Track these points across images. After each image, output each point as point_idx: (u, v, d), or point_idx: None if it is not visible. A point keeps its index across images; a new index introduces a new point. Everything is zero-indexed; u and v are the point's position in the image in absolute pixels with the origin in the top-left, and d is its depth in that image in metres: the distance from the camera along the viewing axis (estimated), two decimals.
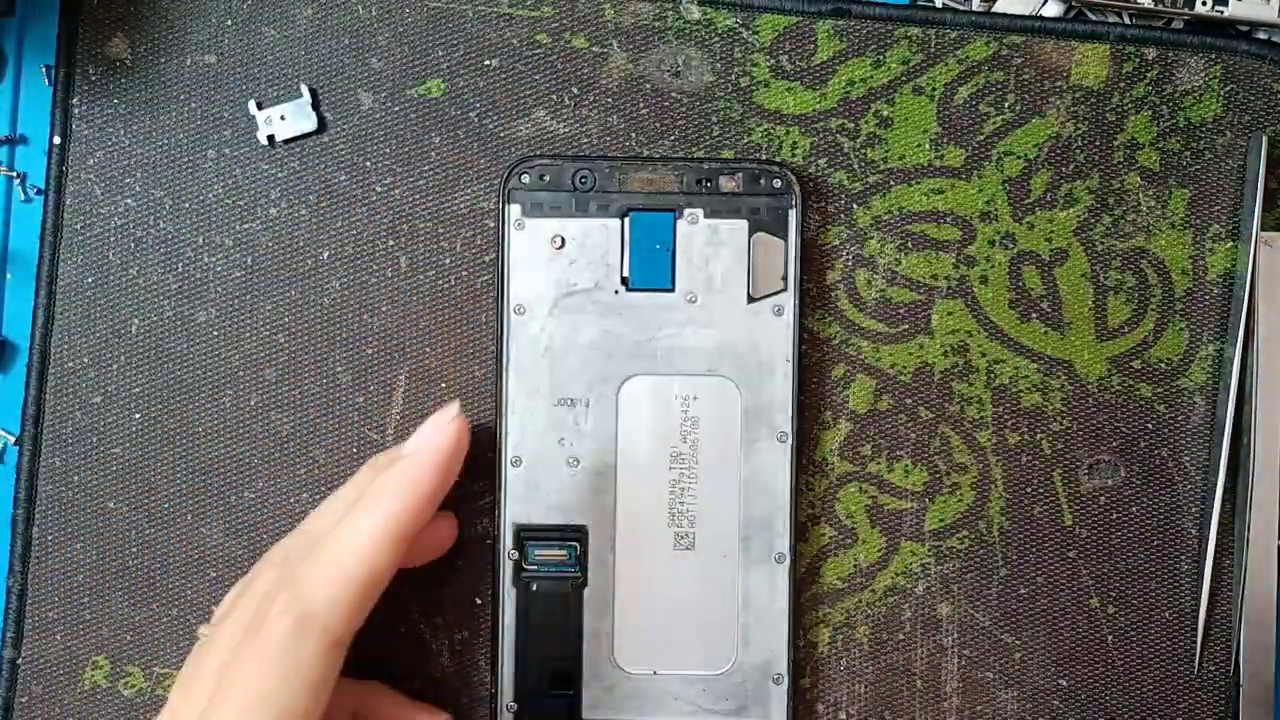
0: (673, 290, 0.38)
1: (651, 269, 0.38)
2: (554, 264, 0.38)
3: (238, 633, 0.33)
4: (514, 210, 0.38)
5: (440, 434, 0.35)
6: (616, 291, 0.38)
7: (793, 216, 0.39)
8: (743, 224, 0.39)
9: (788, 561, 0.39)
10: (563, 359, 0.38)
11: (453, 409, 0.36)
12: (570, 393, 0.38)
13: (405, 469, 0.34)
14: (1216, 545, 0.40)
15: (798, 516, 0.39)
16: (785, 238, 0.39)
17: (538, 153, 0.39)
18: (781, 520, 0.39)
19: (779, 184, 0.39)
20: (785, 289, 0.39)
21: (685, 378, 0.39)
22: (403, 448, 0.36)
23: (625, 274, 0.38)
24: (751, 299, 0.39)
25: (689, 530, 0.39)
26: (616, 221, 0.38)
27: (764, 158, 0.40)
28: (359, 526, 0.33)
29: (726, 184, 0.38)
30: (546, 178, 0.38)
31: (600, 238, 0.38)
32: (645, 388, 0.39)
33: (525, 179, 0.38)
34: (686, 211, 0.38)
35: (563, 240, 0.38)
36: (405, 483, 0.34)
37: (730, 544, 0.39)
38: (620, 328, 0.38)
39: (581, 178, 0.38)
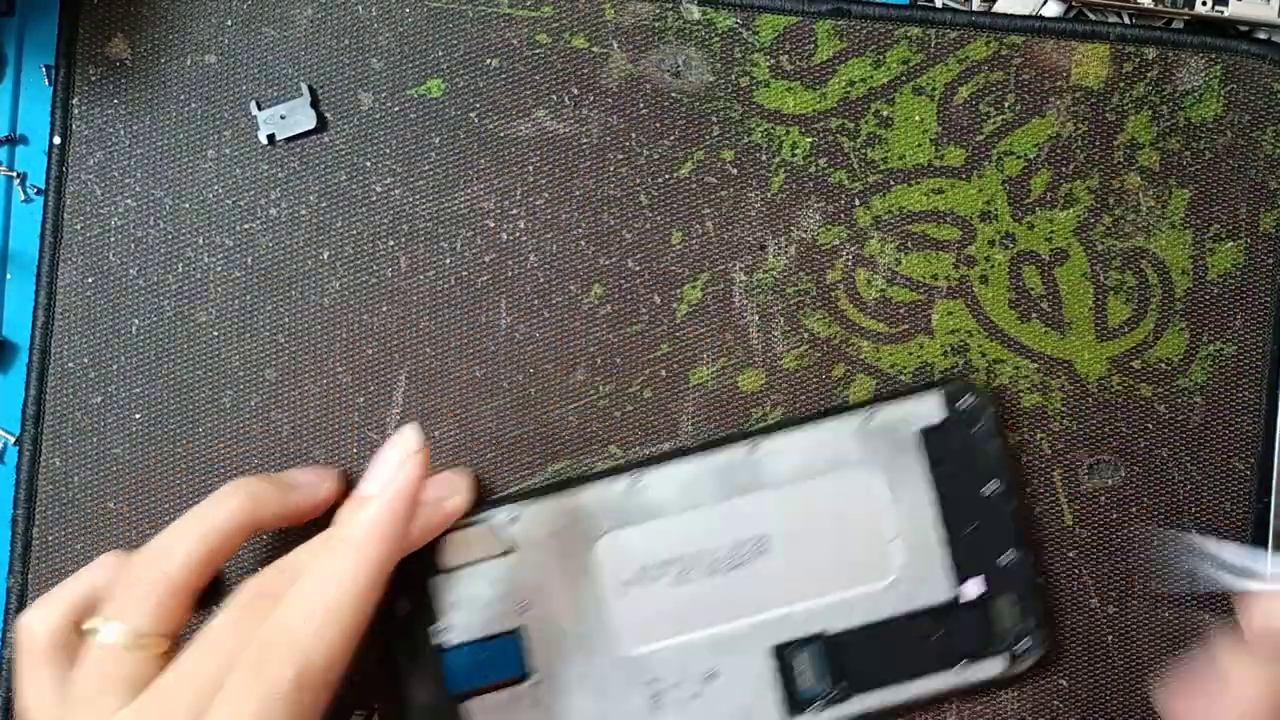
0: None
1: None
2: None
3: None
4: None
5: (404, 473, 0.34)
6: None
7: None
8: None
9: None
10: None
11: (411, 439, 0.35)
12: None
13: (378, 515, 0.34)
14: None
15: None
16: None
17: None
18: None
19: None
20: None
21: None
22: (362, 488, 0.35)
23: None
24: None
25: None
26: None
27: None
28: (343, 576, 0.33)
29: None
30: None
31: None
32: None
33: None
34: None
35: None
36: (380, 528, 0.34)
37: None
38: None
39: None
